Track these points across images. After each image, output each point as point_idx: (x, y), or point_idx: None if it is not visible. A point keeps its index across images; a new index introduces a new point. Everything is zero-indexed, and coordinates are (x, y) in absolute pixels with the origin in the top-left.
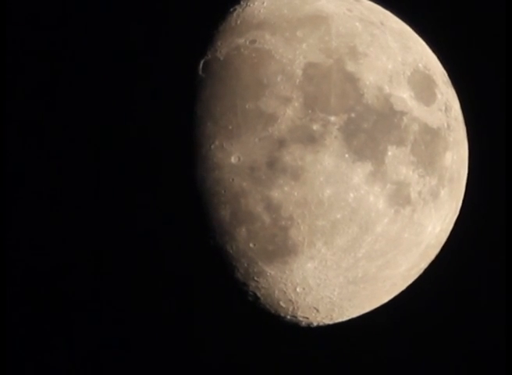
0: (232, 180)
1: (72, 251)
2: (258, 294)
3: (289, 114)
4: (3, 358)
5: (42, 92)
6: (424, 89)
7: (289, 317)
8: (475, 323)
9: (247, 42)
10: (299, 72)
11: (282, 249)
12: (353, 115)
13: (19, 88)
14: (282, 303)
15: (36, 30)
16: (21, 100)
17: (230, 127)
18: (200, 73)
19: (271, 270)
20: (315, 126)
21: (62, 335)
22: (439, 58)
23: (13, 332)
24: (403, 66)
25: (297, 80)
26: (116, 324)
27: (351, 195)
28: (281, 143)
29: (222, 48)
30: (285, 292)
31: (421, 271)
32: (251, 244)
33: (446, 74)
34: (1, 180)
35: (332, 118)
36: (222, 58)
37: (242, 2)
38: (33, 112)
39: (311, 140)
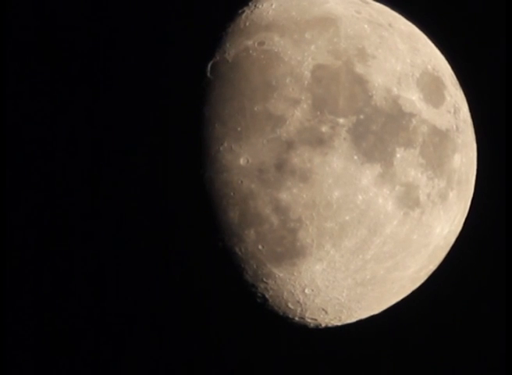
0: (241, 181)
1: (76, 251)
2: (267, 296)
3: (297, 116)
4: (3, 358)
5: (49, 94)
6: (432, 91)
7: (297, 319)
8: (484, 324)
9: (256, 44)
10: (307, 74)
11: (290, 251)
12: (361, 117)
13: (18, 89)
14: (290, 305)
15: (43, 31)
16: (20, 100)
17: (239, 129)
18: (209, 74)
19: (279, 272)
20: (324, 128)
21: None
22: (447, 60)
23: (13, 332)
24: (412, 67)
25: (306, 82)
26: (123, 326)
27: (360, 197)
28: (289, 145)
29: (231, 49)
30: (293, 294)
31: (429, 273)
32: (260, 246)
33: (454, 76)
34: (2, 179)
35: (341, 120)
36: (230, 60)
37: (250, 4)
38: (35, 111)
39: (320, 142)
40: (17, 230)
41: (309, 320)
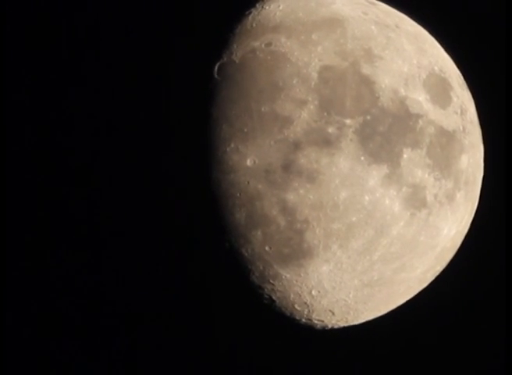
0: (248, 182)
1: (82, 252)
2: (274, 297)
3: (304, 117)
4: (3, 358)
5: (52, 96)
6: (439, 92)
7: (304, 320)
8: (491, 324)
9: (263, 45)
10: (314, 75)
11: (297, 252)
12: (368, 117)
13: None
14: (297, 306)
15: (46, 32)
16: (21, 100)
17: (246, 130)
18: (216, 75)
19: (286, 273)
20: (331, 129)
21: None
22: (454, 60)
23: (14, 332)
24: (419, 68)
25: (313, 83)
26: (126, 327)
27: (367, 198)
28: (296, 146)
29: (238, 50)
30: (300, 295)
31: (436, 274)
32: (267, 247)
33: (461, 77)
34: (2, 180)
35: (348, 121)
36: (237, 61)
37: (258, 5)
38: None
39: (327, 142)
40: (16, 231)
41: (316, 322)
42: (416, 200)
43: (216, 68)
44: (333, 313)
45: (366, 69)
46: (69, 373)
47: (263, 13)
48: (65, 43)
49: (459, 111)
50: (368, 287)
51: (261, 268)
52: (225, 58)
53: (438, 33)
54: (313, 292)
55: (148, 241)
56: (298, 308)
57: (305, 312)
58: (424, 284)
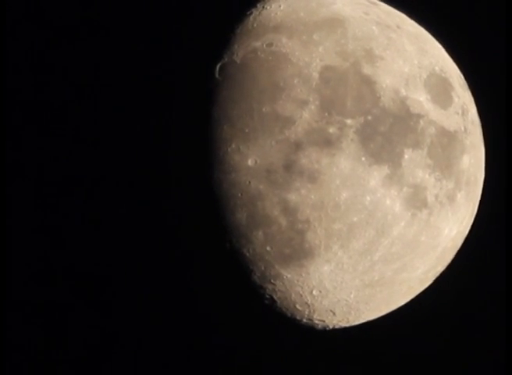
0: (249, 182)
1: (85, 252)
2: (275, 297)
3: (305, 117)
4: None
5: (53, 97)
6: (440, 92)
7: (305, 320)
8: (492, 325)
9: (264, 45)
10: (315, 75)
11: (298, 252)
12: (369, 118)
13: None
14: (298, 306)
15: (47, 31)
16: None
17: (247, 130)
18: (217, 76)
19: (287, 273)
20: (332, 129)
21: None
22: (454, 60)
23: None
24: (420, 69)
25: (314, 83)
26: (131, 326)
27: (368, 198)
28: (297, 146)
29: (239, 51)
30: (301, 295)
31: (437, 274)
32: (268, 248)
33: (462, 77)
34: (3, 180)
35: (349, 121)
36: (238, 62)
37: (258, 5)
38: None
39: (328, 143)
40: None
41: (317, 322)
42: (417, 200)
43: (217, 68)
44: (334, 313)
45: (367, 70)
46: (68, 372)
47: (264, 13)
48: (64, 44)
49: (460, 111)
50: (369, 287)
51: (263, 268)
52: (226, 59)
53: (438, 33)
54: (314, 292)
55: (149, 241)
56: (299, 309)
57: (306, 312)
58: (426, 284)
